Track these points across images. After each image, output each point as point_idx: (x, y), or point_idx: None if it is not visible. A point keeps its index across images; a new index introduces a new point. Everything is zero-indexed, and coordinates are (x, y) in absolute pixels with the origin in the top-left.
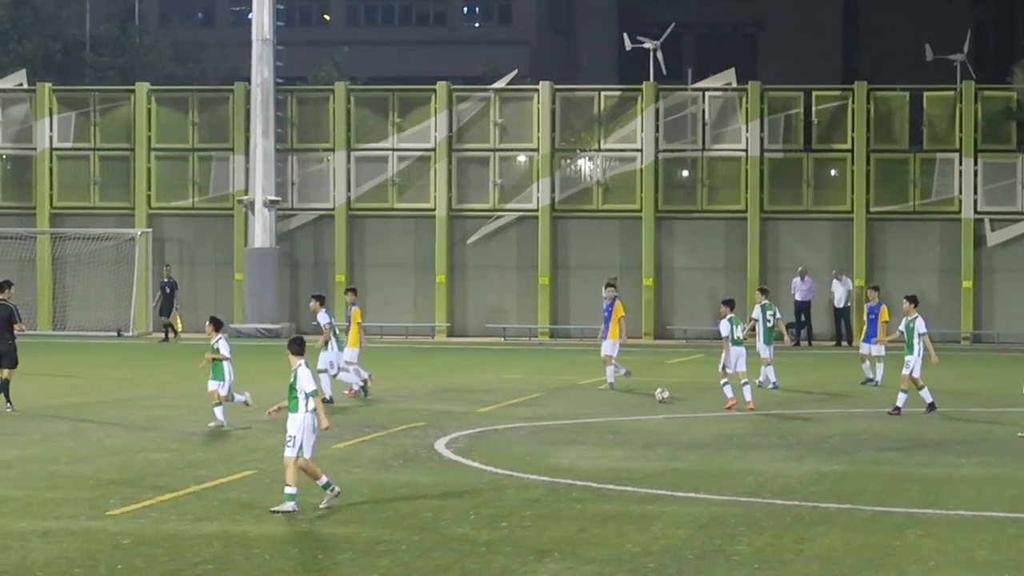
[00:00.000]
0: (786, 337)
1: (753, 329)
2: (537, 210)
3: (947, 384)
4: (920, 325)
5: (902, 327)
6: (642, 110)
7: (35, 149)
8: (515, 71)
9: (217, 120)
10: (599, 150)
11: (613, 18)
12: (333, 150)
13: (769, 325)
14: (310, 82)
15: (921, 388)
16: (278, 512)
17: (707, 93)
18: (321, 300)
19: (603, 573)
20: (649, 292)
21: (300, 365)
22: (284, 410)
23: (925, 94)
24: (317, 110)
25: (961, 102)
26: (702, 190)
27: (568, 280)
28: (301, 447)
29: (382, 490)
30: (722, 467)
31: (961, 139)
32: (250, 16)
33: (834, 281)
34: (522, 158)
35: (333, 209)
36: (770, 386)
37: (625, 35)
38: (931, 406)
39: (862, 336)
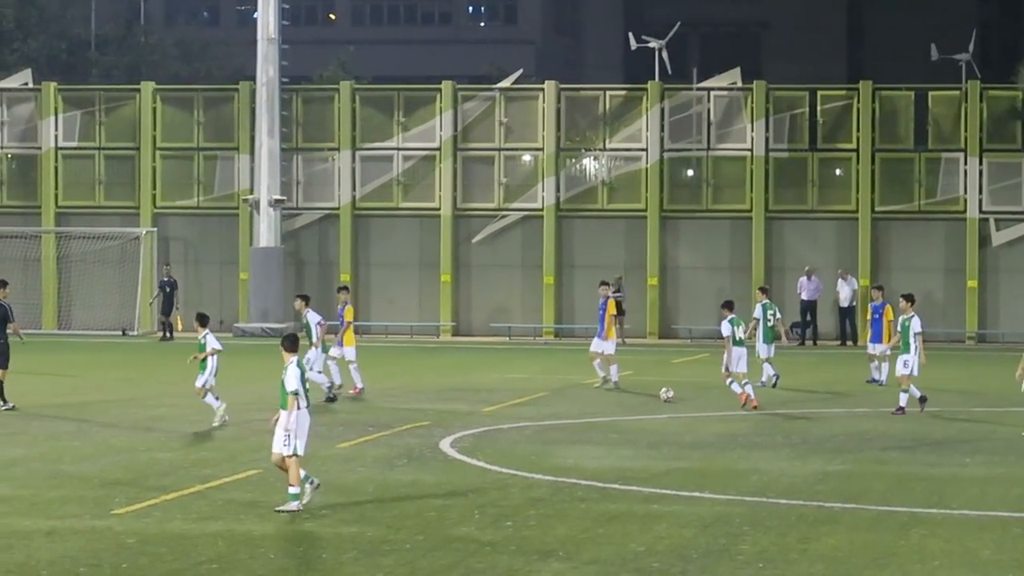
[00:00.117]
0: (784, 337)
1: (756, 329)
2: (542, 209)
3: (952, 384)
4: (916, 324)
5: (899, 326)
6: (647, 109)
7: (40, 148)
8: (520, 71)
9: (222, 119)
10: (604, 149)
11: (618, 18)
12: (338, 149)
13: (769, 324)
14: (315, 81)
15: (912, 388)
16: (283, 512)
17: (712, 93)
18: (306, 299)
19: (607, 573)
20: (654, 292)
21: (291, 363)
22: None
23: (930, 94)
24: (322, 109)
25: (966, 102)
26: (707, 190)
27: (573, 280)
28: (297, 445)
29: (386, 489)
30: (726, 466)
31: (966, 139)
32: (255, 15)
33: (839, 281)
34: (527, 157)
35: (338, 208)
36: (772, 381)
37: (630, 34)
38: (923, 400)
39: (868, 336)
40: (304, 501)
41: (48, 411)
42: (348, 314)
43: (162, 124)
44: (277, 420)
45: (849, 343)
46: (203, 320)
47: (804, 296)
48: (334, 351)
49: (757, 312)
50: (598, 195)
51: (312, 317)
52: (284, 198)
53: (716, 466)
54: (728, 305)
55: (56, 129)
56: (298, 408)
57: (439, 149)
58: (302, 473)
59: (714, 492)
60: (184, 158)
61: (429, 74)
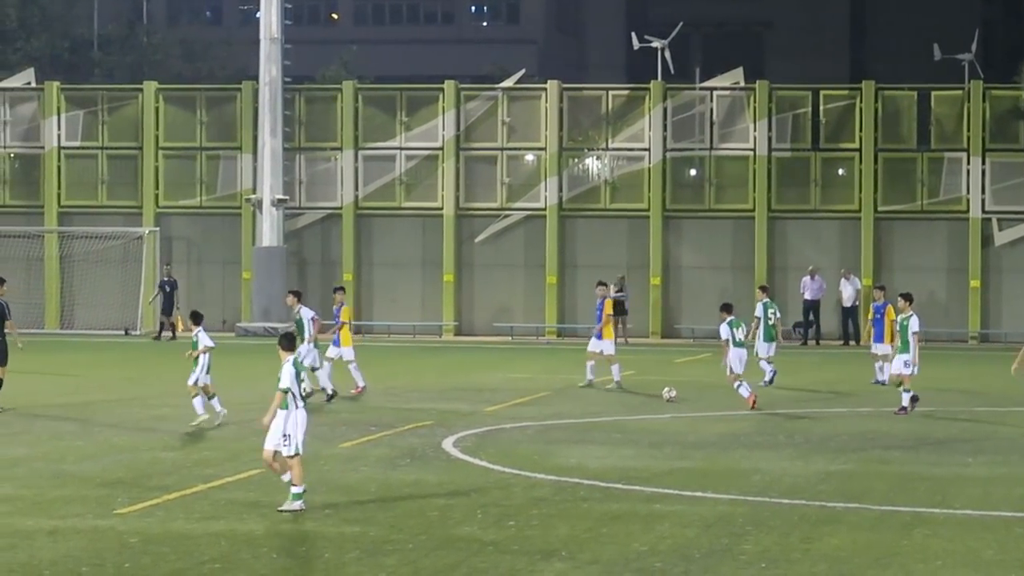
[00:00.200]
0: (779, 338)
1: (758, 327)
2: (545, 209)
3: (954, 383)
4: (914, 323)
5: (897, 325)
6: (650, 109)
7: (43, 148)
8: (523, 70)
9: (225, 119)
10: (607, 149)
11: (621, 17)
12: (341, 149)
13: (770, 323)
14: (318, 81)
15: (899, 386)
16: (285, 511)
17: (715, 92)
18: (298, 295)
19: (610, 572)
20: (657, 291)
21: (287, 362)
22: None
23: (933, 93)
24: (325, 109)
25: (969, 101)
26: (710, 189)
27: (575, 279)
28: (298, 444)
29: (389, 489)
30: (729, 466)
31: (969, 138)
32: (258, 15)
33: (842, 280)
34: (530, 157)
35: (341, 208)
36: (768, 377)
37: (633, 34)
38: (914, 398)
39: (871, 336)
40: (283, 507)
41: (51, 411)
42: (344, 315)
43: (165, 124)
44: (272, 419)
45: (852, 343)
46: (196, 318)
47: (807, 296)
48: (331, 352)
49: (758, 311)
50: (601, 195)
51: (305, 313)
52: (287, 198)
53: (719, 466)
54: (727, 307)
55: (59, 128)
56: (296, 407)
57: (442, 149)
58: (288, 476)
59: (717, 492)
60: (187, 158)
61: (432, 74)
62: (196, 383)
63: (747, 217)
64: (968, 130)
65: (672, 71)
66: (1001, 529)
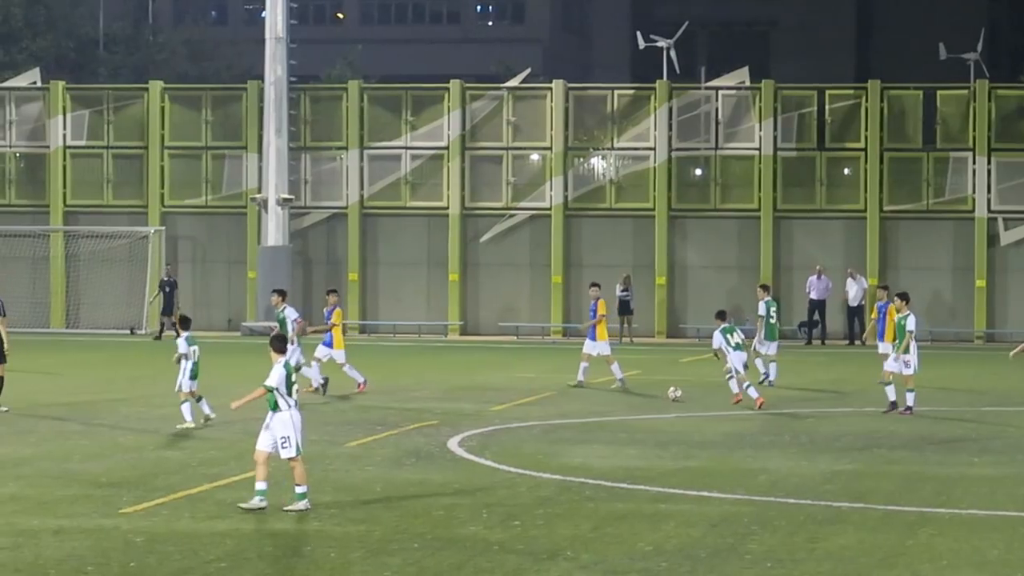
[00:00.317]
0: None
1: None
2: (550, 209)
3: (960, 383)
4: (910, 323)
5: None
6: (655, 109)
7: (48, 147)
8: (528, 70)
9: (230, 118)
10: (612, 149)
11: (626, 17)
12: (346, 148)
13: (772, 322)
14: (323, 80)
15: (888, 384)
16: (291, 511)
17: (720, 92)
18: (283, 295)
19: (615, 572)
20: (662, 291)
21: (278, 363)
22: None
23: (939, 93)
24: (330, 108)
25: (975, 101)
26: (715, 189)
27: (581, 279)
28: (298, 444)
29: (394, 488)
30: (735, 466)
31: (975, 138)
32: (263, 14)
33: (848, 280)
34: (535, 156)
35: (346, 207)
36: (767, 381)
37: (638, 34)
38: (892, 405)
39: (875, 336)
40: (250, 505)
41: (56, 410)
42: (336, 317)
43: (170, 123)
44: (240, 405)
45: (857, 342)
46: (182, 323)
47: (813, 295)
48: (320, 352)
49: (761, 310)
50: (606, 194)
51: (289, 313)
52: (292, 197)
53: (724, 465)
54: (721, 315)
55: (64, 128)
56: (289, 408)
57: (447, 148)
58: (263, 485)
59: (722, 491)
60: (192, 157)
61: (437, 73)
62: (180, 389)
63: (752, 217)
64: (974, 129)
65: (677, 70)
66: (1007, 529)
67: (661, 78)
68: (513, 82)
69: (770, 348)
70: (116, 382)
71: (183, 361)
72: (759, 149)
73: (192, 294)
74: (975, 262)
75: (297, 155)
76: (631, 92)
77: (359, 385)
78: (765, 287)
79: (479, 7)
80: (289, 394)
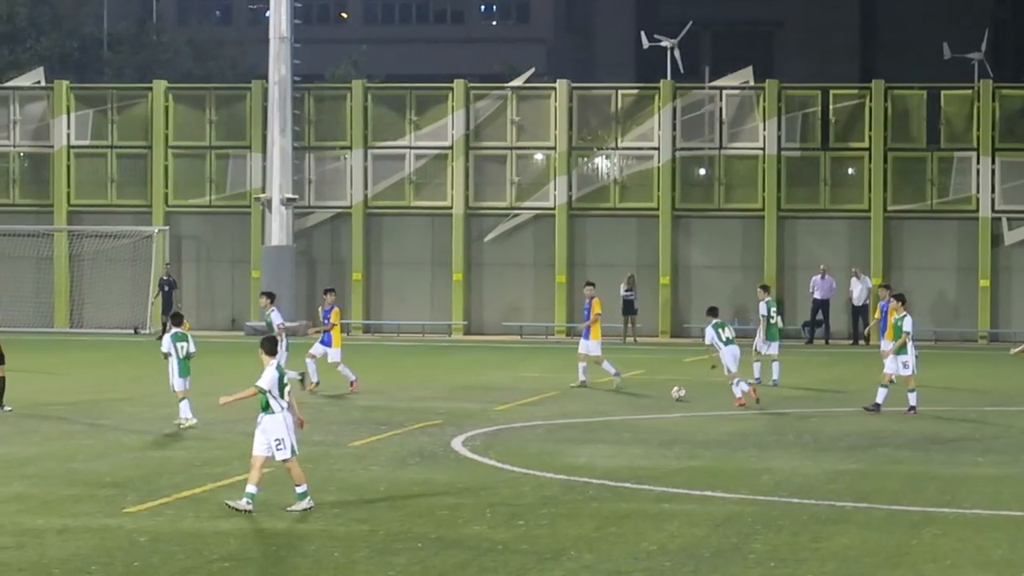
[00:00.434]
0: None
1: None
2: (554, 208)
3: (964, 383)
4: (907, 323)
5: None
6: (659, 108)
7: (53, 147)
8: (532, 69)
9: (234, 118)
10: (616, 148)
11: (630, 16)
12: (350, 148)
13: (772, 322)
14: (327, 80)
15: (885, 386)
16: (295, 511)
17: (724, 91)
18: (272, 297)
19: (619, 571)
20: (666, 291)
21: (270, 365)
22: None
23: (943, 93)
24: (334, 108)
25: (979, 101)
26: (719, 188)
27: (585, 278)
28: (292, 446)
29: (398, 488)
30: (738, 465)
31: (978, 138)
32: (267, 14)
33: (852, 279)
34: (539, 156)
35: (350, 207)
36: (772, 382)
37: (642, 33)
38: (876, 406)
39: (879, 334)
40: (238, 505)
41: (60, 410)
42: (335, 316)
43: (174, 123)
44: (229, 401)
45: (862, 342)
46: (173, 320)
47: (817, 295)
48: (316, 350)
49: (762, 310)
50: (610, 194)
51: (275, 317)
52: (296, 197)
53: (728, 465)
54: (712, 311)
55: (68, 127)
56: (281, 410)
57: (451, 148)
58: (253, 489)
59: (726, 491)
60: (196, 156)
61: (441, 73)
62: (173, 388)
63: (756, 216)
64: (978, 129)
65: (681, 70)
66: (1011, 528)
67: (665, 78)
68: (517, 82)
69: (771, 348)
70: (120, 382)
71: (170, 360)
72: (763, 149)
73: (196, 294)
74: (979, 262)
75: (301, 155)
76: (635, 92)
77: (352, 384)
78: (765, 287)
79: (483, 7)
80: (281, 396)
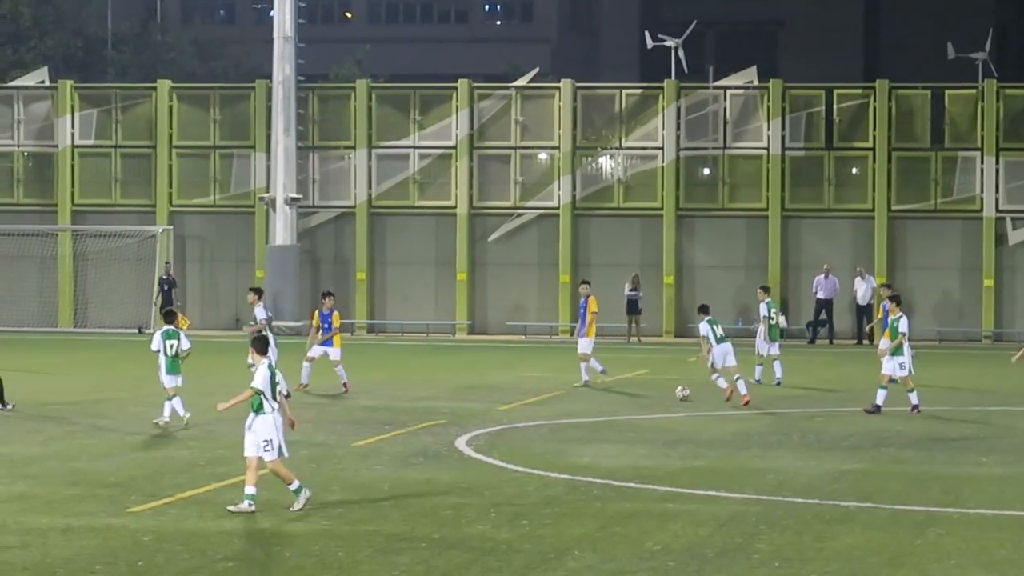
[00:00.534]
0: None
1: (766, 327)
2: (558, 208)
3: (968, 382)
4: (903, 324)
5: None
6: (663, 108)
7: (57, 146)
8: (536, 69)
9: (238, 117)
10: (620, 148)
11: (634, 16)
12: (354, 148)
13: (772, 322)
14: (331, 80)
15: (884, 387)
16: (295, 510)
17: (728, 91)
18: (259, 293)
19: (623, 571)
20: (670, 290)
21: (262, 365)
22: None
23: (947, 92)
24: (338, 108)
25: (983, 100)
26: (723, 188)
27: (589, 278)
28: (280, 447)
29: (402, 487)
30: (742, 465)
31: (983, 137)
32: (272, 14)
33: (857, 279)
34: (543, 156)
35: (354, 207)
36: (775, 381)
37: (646, 33)
38: (877, 408)
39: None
40: (240, 508)
41: (64, 409)
42: (336, 320)
43: (178, 122)
44: (227, 407)
45: (866, 342)
46: (166, 317)
47: (820, 295)
48: (315, 352)
49: (763, 310)
50: (614, 194)
51: (259, 312)
52: (300, 196)
53: (732, 465)
54: (704, 309)
55: (72, 127)
56: (272, 411)
57: (455, 147)
58: (253, 490)
59: (730, 491)
60: (200, 156)
61: (445, 72)
62: (163, 385)
63: (760, 216)
64: (982, 129)
65: (685, 70)
66: (1015, 528)
67: (669, 77)
68: (521, 81)
69: (773, 348)
70: (124, 381)
71: (158, 357)
72: (767, 148)
73: (200, 293)
74: (983, 261)
75: (305, 154)
76: (639, 91)
77: (344, 385)
78: (765, 288)
79: (487, 6)
80: (273, 396)
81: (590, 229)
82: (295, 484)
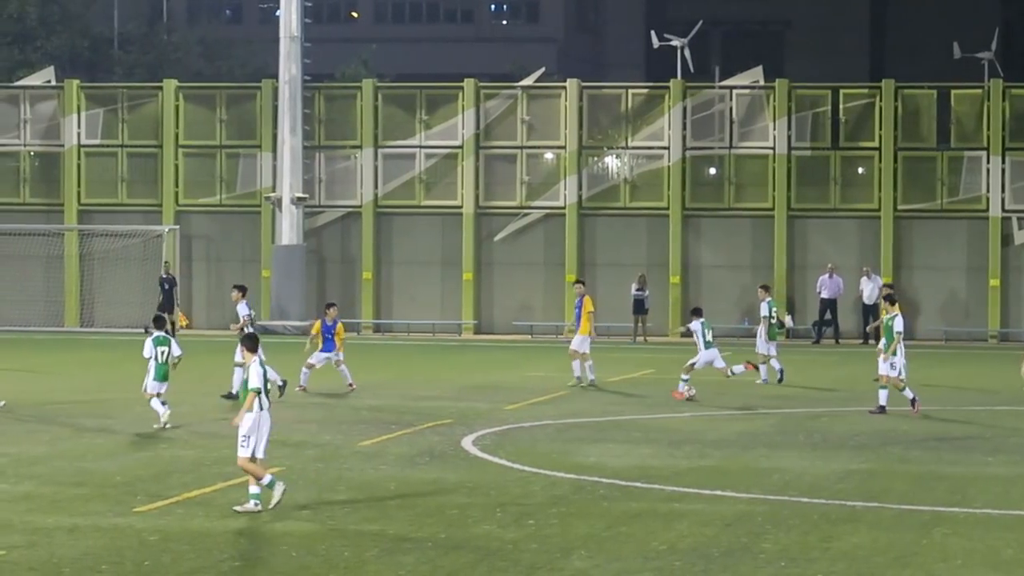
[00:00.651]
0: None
1: (782, 325)
2: (564, 208)
3: (974, 382)
4: (898, 324)
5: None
6: (669, 108)
7: (63, 146)
8: (542, 68)
9: (245, 117)
10: (626, 148)
11: (640, 16)
12: (360, 147)
13: (773, 322)
14: (338, 79)
15: (884, 387)
16: (241, 511)
17: (734, 91)
18: (243, 290)
19: (629, 571)
20: (676, 290)
21: (254, 362)
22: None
23: (953, 92)
24: (345, 107)
25: (989, 100)
26: (729, 188)
27: (595, 278)
28: (255, 448)
29: (408, 487)
30: (748, 465)
31: (989, 137)
32: (278, 13)
33: (863, 279)
34: (549, 155)
35: (360, 206)
36: (778, 376)
37: (652, 33)
38: (882, 408)
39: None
40: (246, 508)
41: (70, 409)
42: (341, 332)
43: (185, 122)
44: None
45: (871, 341)
46: (156, 323)
47: (824, 294)
48: (316, 358)
49: (764, 310)
50: (620, 193)
51: (241, 308)
52: (306, 196)
53: (738, 464)
54: (697, 312)
55: (79, 127)
56: (260, 409)
57: (461, 147)
58: (267, 478)
59: (736, 491)
60: (207, 156)
61: (451, 72)
62: (144, 390)
63: (766, 216)
64: (988, 129)
65: (691, 70)
66: (1021, 528)
67: (675, 77)
68: (527, 81)
69: (771, 348)
70: (130, 381)
71: (150, 362)
72: (773, 148)
73: (206, 293)
74: (989, 261)
75: (311, 154)
76: (645, 91)
77: (350, 384)
78: (766, 287)
79: (493, 6)
80: (266, 393)
81: (596, 229)
82: (267, 478)
